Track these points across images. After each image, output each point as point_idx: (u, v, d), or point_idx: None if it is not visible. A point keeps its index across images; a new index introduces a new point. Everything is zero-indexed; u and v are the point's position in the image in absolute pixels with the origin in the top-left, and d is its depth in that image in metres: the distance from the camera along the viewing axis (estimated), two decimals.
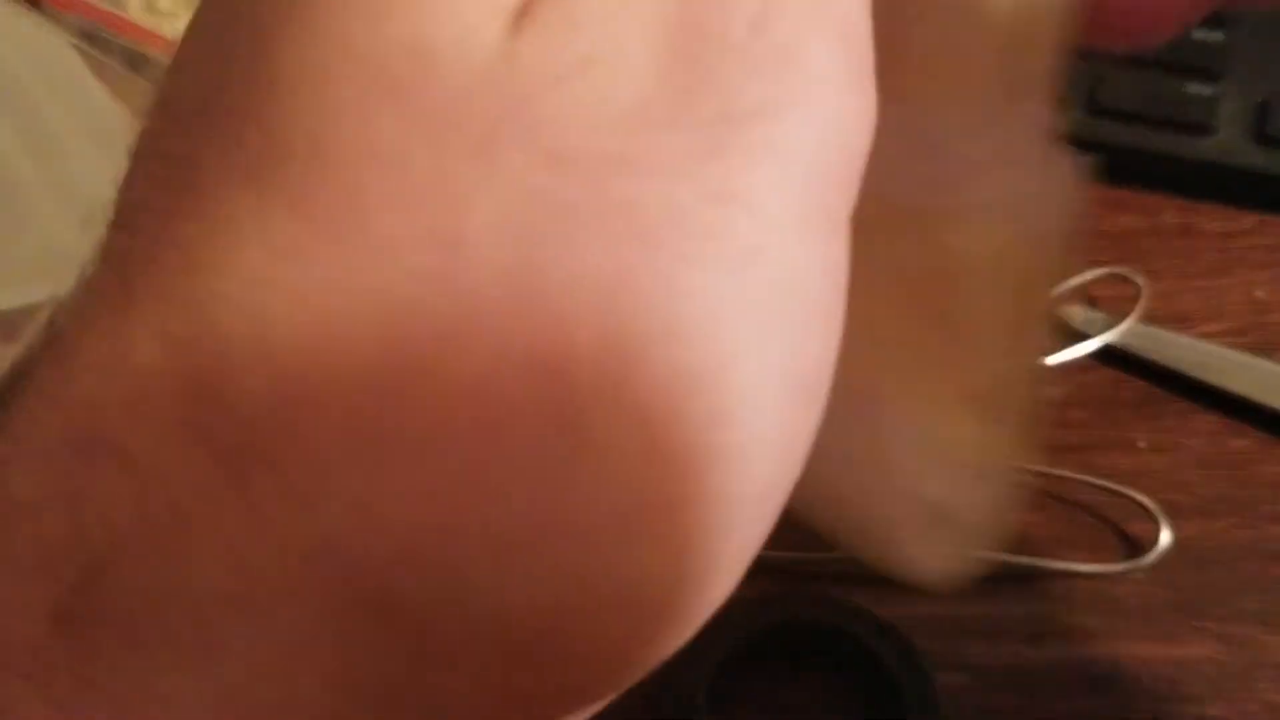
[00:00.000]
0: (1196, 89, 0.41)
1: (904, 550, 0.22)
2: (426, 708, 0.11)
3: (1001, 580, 0.31)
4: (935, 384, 0.20)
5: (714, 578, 0.12)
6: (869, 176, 0.16)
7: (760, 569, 0.33)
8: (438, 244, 0.10)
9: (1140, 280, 0.37)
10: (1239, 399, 0.34)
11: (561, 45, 0.11)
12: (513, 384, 0.10)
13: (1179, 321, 0.36)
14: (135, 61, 0.41)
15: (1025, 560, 0.31)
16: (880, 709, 0.28)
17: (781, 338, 0.11)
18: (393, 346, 0.10)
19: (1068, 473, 0.33)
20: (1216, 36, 0.42)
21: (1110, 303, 0.37)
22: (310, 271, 0.10)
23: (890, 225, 0.19)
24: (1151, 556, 0.31)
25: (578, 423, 0.10)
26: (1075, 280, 0.37)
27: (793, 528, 0.34)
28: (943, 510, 0.21)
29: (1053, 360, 0.36)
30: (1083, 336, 0.36)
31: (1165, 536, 0.31)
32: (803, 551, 0.32)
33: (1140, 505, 0.32)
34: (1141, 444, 0.34)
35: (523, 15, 0.11)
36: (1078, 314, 0.37)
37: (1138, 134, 0.41)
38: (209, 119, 0.11)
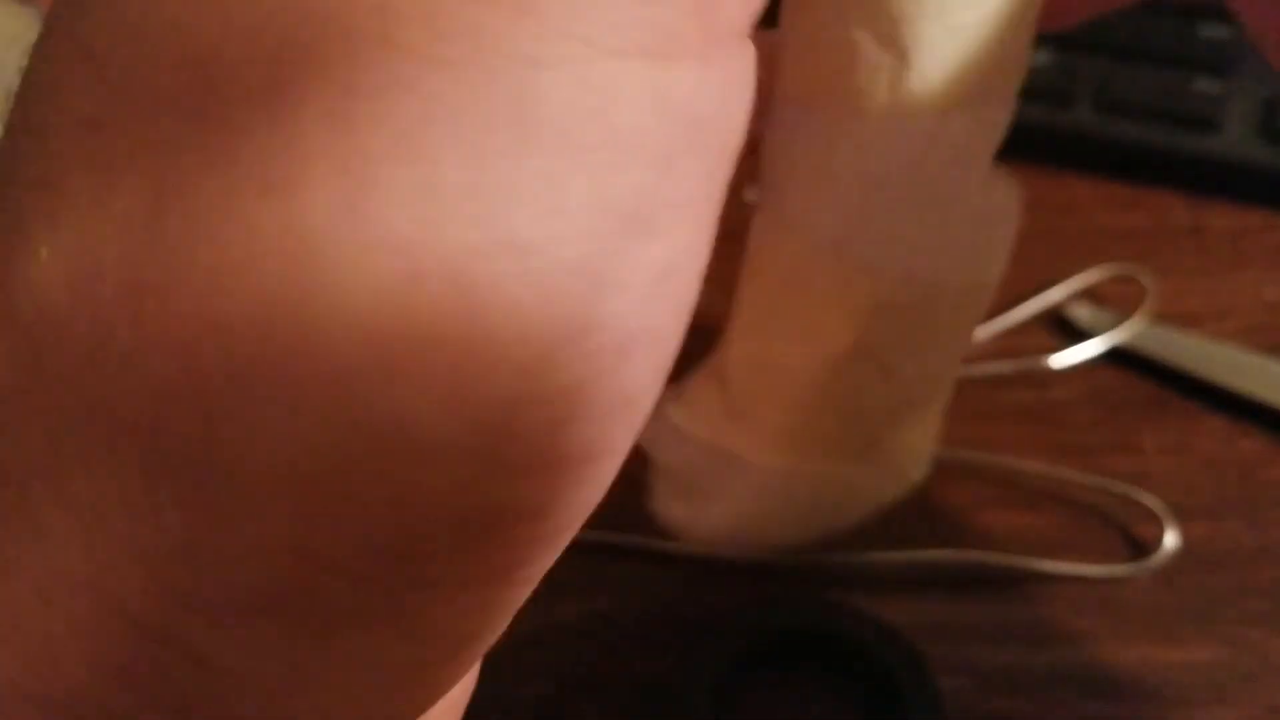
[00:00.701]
0: (1205, 85, 0.40)
1: (651, 501, 0.23)
2: (227, 582, 0.11)
3: (1005, 583, 0.31)
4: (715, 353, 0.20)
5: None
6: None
7: (761, 573, 0.33)
8: None
9: (1147, 279, 0.36)
10: (1248, 399, 0.34)
11: None
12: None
13: (1187, 321, 0.36)
14: None
15: (1029, 563, 0.31)
16: (882, 713, 0.28)
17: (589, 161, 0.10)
18: None
19: (1073, 474, 0.33)
20: (1224, 32, 0.41)
21: (1117, 302, 0.36)
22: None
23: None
24: (1157, 559, 0.31)
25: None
26: (1082, 279, 0.37)
27: None
28: (672, 473, 0.22)
29: (1058, 360, 0.35)
30: (1089, 336, 0.36)
31: (1171, 539, 0.31)
32: (804, 555, 0.32)
33: (1146, 507, 0.32)
34: (1148, 445, 0.34)
35: None
36: (1084, 313, 0.37)
37: (1145, 130, 0.40)
38: None
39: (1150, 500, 0.32)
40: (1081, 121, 0.41)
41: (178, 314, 0.10)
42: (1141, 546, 0.31)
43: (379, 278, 0.10)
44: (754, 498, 0.22)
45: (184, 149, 0.10)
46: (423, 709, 0.13)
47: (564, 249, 0.10)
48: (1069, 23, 0.21)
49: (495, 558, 0.11)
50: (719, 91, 0.11)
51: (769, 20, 0.13)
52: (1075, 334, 0.36)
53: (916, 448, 0.23)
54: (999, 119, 0.21)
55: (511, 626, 0.30)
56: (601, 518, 0.35)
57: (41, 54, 0.11)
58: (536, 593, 0.32)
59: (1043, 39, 0.45)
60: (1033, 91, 0.42)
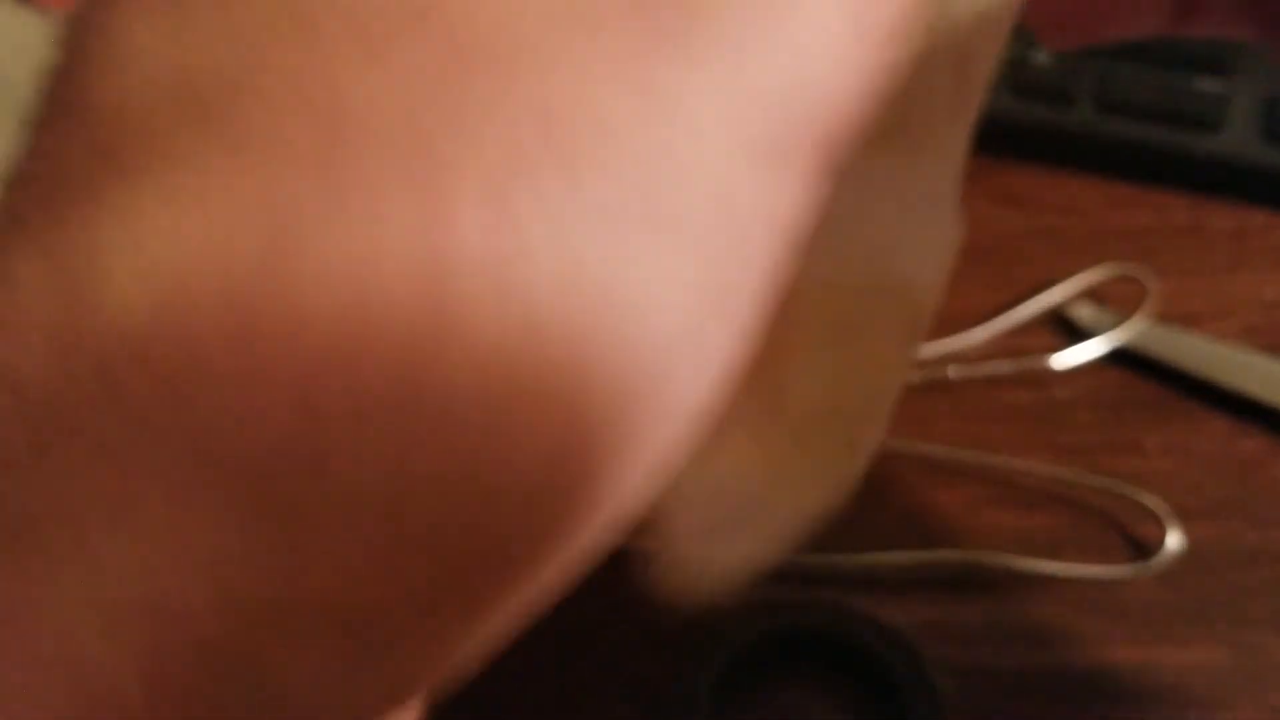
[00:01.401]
0: (1206, 85, 0.40)
1: (670, 550, 0.23)
2: (306, 603, 0.11)
3: (1006, 584, 0.31)
4: (747, 400, 0.20)
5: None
6: None
7: (761, 572, 0.33)
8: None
9: (1148, 279, 0.36)
10: (1249, 399, 0.34)
11: None
12: (392, 284, 0.10)
13: (1188, 321, 0.36)
14: None
15: (1031, 563, 0.31)
16: (882, 713, 0.28)
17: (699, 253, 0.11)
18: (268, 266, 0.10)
19: (1074, 474, 0.33)
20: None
21: (1118, 302, 0.36)
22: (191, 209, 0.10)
23: None
24: (1159, 560, 0.31)
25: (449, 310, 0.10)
26: (1083, 278, 0.37)
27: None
28: (711, 523, 0.21)
29: (1059, 360, 0.35)
30: (1091, 335, 0.36)
31: (1173, 539, 0.31)
32: (805, 555, 0.32)
33: (1147, 508, 0.32)
34: (1150, 446, 0.34)
35: None
36: (1085, 313, 0.37)
37: (1147, 130, 0.40)
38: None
39: (1151, 501, 0.32)
40: (1083, 121, 0.41)
41: (295, 346, 0.10)
42: (1143, 547, 0.31)
43: (507, 320, 0.10)
44: (780, 535, 0.22)
45: (302, 168, 0.10)
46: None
47: (665, 317, 0.11)
48: (1075, 43, 0.21)
49: (532, 587, 0.12)
50: (809, 206, 0.12)
51: None
52: (1076, 334, 0.36)
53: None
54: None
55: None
56: None
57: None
58: None
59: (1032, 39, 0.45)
60: (1034, 91, 0.42)
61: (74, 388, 0.10)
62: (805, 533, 0.22)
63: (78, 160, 0.11)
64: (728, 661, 0.28)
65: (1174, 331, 0.36)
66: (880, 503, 0.33)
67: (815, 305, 0.19)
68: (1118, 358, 0.36)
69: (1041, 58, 0.43)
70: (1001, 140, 0.42)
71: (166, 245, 0.10)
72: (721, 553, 0.22)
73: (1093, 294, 0.37)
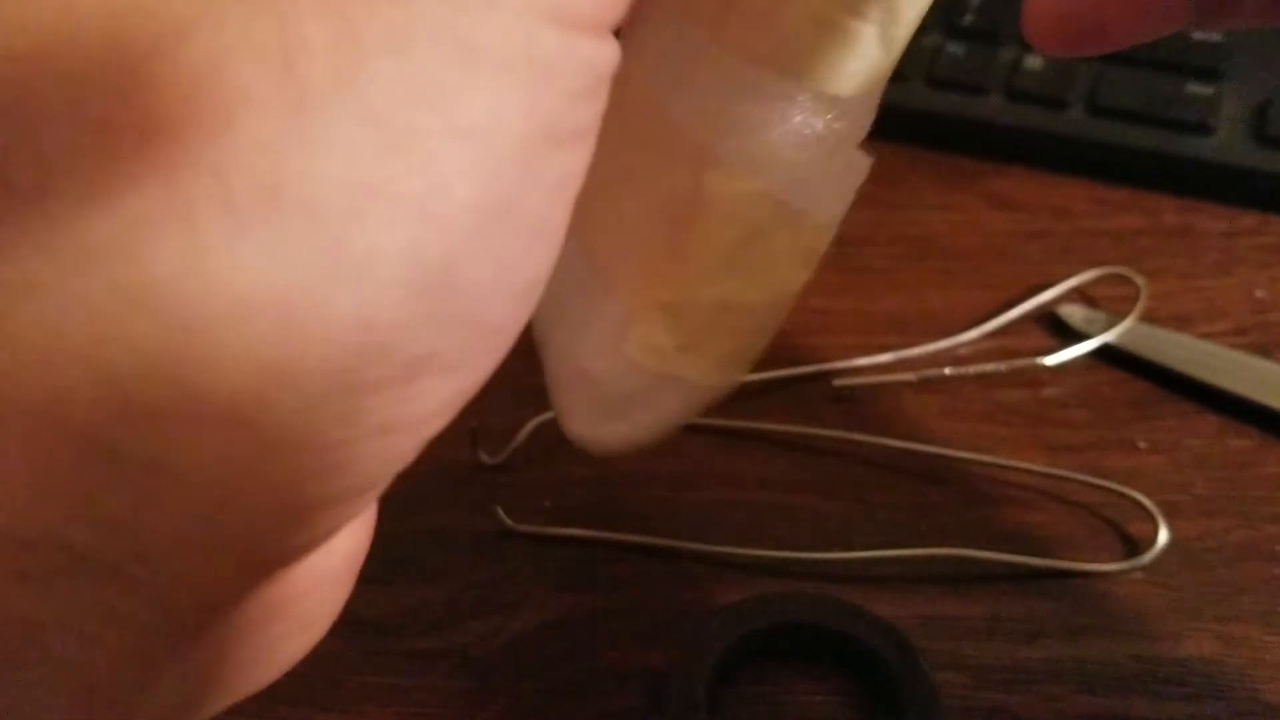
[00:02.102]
0: (1196, 88, 0.41)
1: (570, 419, 0.24)
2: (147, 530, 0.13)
3: (999, 579, 0.31)
4: (646, 286, 0.21)
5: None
6: (667, 93, 0.18)
7: (758, 568, 0.33)
8: None
9: (1140, 280, 0.37)
10: (1239, 399, 0.34)
11: None
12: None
13: (1179, 321, 0.36)
14: None
15: (1024, 559, 0.31)
16: (878, 708, 0.29)
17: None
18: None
19: (1067, 472, 0.33)
20: (1216, 36, 0.42)
21: (1110, 302, 0.37)
22: None
23: (666, 140, 0.20)
24: (1150, 556, 0.31)
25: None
26: (1075, 280, 0.37)
27: (791, 528, 0.35)
28: (609, 396, 0.23)
29: (1052, 360, 0.36)
30: (1082, 336, 0.36)
31: (1164, 536, 0.31)
32: (801, 551, 0.32)
33: (1139, 505, 0.32)
34: (1141, 444, 0.34)
35: None
36: (1077, 314, 0.37)
37: (1138, 133, 0.41)
38: None
39: (1142, 498, 0.32)
40: (1074, 124, 0.42)
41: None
42: (1134, 543, 0.32)
43: (244, 328, 0.12)
44: (682, 413, 0.23)
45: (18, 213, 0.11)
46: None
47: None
48: (1104, 49, 0.22)
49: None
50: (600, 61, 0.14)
51: None
52: (1068, 334, 0.37)
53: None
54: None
55: (517, 623, 0.30)
56: (604, 517, 0.35)
57: None
58: (539, 588, 0.33)
59: None
60: (1026, 95, 0.42)
61: None
62: (701, 409, 0.23)
63: None
64: (724, 655, 0.29)
65: (1164, 332, 0.36)
66: (876, 500, 0.33)
67: (722, 216, 0.21)
68: (1109, 357, 0.36)
69: (1033, 62, 0.43)
70: (994, 143, 0.43)
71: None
72: (625, 425, 0.24)
73: (1084, 295, 0.37)
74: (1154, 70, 0.42)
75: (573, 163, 0.14)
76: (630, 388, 0.23)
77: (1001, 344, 0.37)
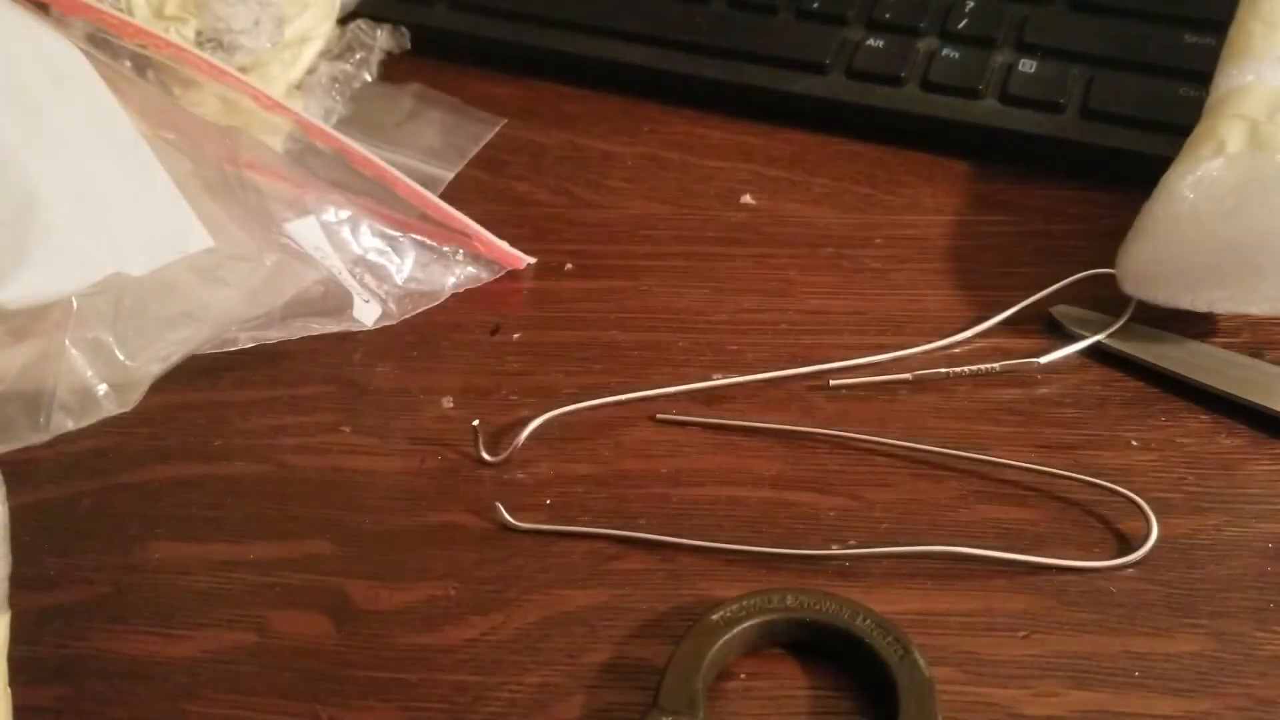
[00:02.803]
0: (1189, 92, 0.41)
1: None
2: None
3: (994, 575, 0.32)
4: None
5: None
6: None
7: (755, 565, 0.34)
8: None
9: None
10: (1228, 398, 0.35)
11: None
12: None
13: (1171, 322, 0.37)
14: (142, 65, 0.42)
15: (1018, 556, 0.31)
16: (874, 703, 0.29)
17: None
18: None
19: (1060, 470, 0.33)
20: (1209, 40, 0.42)
21: (1102, 302, 0.37)
22: None
23: None
24: (1143, 552, 0.31)
25: None
26: (1068, 281, 0.38)
27: (789, 525, 0.35)
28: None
29: (1046, 359, 0.36)
30: (1076, 336, 0.37)
31: (1156, 533, 0.32)
32: (798, 548, 0.32)
33: (1132, 502, 0.32)
34: (1133, 442, 0.34)
35: None
36: (1071, 314, 0.37)
37: (1130, 137, 0.41)
38: None
39: (1135, 495, 0.32)
40: (1069, 128, 0.42)
41: None
42: (1127, 540, 0.32)
43: None
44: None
45: None
46: None
47: None
48: None
49: None
50: None
51: None
52: (1062, 334, 0.37)
53: None
54: None
55: (518, 618, 0.30)
56: (604, 514, 0.36)
57: None
58: (540, 584, 0.33)
59: (1031, 47, 0.46)
60: (1021, 99, 0.43)
61: None
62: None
63: None
64: (723, 650, 0.29)
65: (1157, 332, 0.36)
66: (872, 497, 0.34)
67: None
68: (1102, 357, 0.37)
69: (1027, 66, 0.43)
70: (989, 146, 0.43)
71: None
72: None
73: (1078, 295, 0.38)
74: (1147, 74, 0.42)
75: None
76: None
77: (996, 344, 0.37)
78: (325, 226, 0.40)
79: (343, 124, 0.46)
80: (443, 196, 0.42)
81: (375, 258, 0.40)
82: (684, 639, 0.29)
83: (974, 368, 0.36)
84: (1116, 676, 0.29)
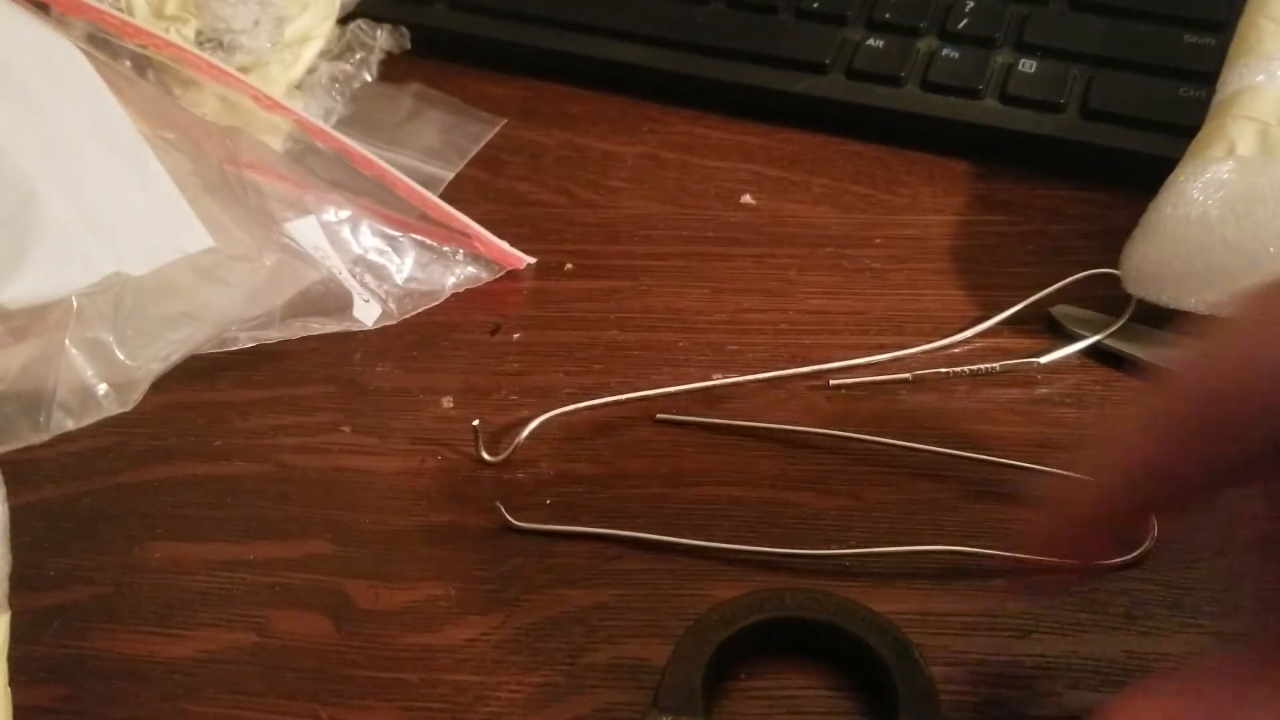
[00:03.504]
0: (1189, 92, 0.41)
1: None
2: None
3: (995, 576, 0.32)
4: None
5: None
6: None
7: (755, 565, 0.34)
8: None
9: None
10: None
11: None
12: None
13: (1170, 322, 0.37)
14: (142, 65, 0.42)
15: (1018, 556, 0.31)
16: (874, 703, 0.29)
17: None
18: None
19: (1060, 470, 0.33)
20: (1209, 41, 0.42)
21: (1102, 302, 0.37)
22: None
23: None
24: (1144, 552, 0.31)
25: None
26: (1068, 280, 0.38)
27: (789, 525, 0.35)
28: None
29: (1046, 359, 0.36)
30: (1076, 336, 0.37)
31: (1155, 533, 0.32)
32: (798, 548, 0.32)
33: None
34: None
35: None
36: (1070, 313, 0.37)
37: (1130, 137, 0.41)
38: None
39: None
40: (1068, 127, 0.42)
41: None
42: (1128, 541, 0.32)
43: None
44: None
45: None
46: None
47: None
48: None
49: None
50: None
51: None
52: (1062, 334, 0.37)
53: None
54: None
55: (518, 618, 0.30)
56: (604, 513, 0.36)
57: None
58: (540, 584, 0.33)
59: (1031, 47, 0.46)
60: (1020, 99, 0.43)
61: None
62: None
63: None
64: (722, 650, 0.29)
65: (1157, 332, 0.36)
66: (872, 497, 0.34)
67: None
68: (1103, 357, 0.37)
69: (1027, 66, 0.43)
70: (989, 146, 0.43)
71: None
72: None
73: (1078, 295, 0.38)
74: (1147, 74, 0.42)
75: None
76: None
77: (996, 344, 0.37)
78: (325, 226, 0.40)
79: (343, 124, 0.46)
80: (443, 196, 0.42)
81: (375, 258, 0.40)
82: (684, 639, 0.29)
83: (974, 367, 0.36)
84: (1116, 676, 0.29)
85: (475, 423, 0.35)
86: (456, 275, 0.41)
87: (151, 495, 0.35)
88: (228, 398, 0.37)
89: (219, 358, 0.37)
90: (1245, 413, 0.22)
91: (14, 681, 0.30)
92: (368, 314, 0.39)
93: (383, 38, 0.48)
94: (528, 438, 0.35)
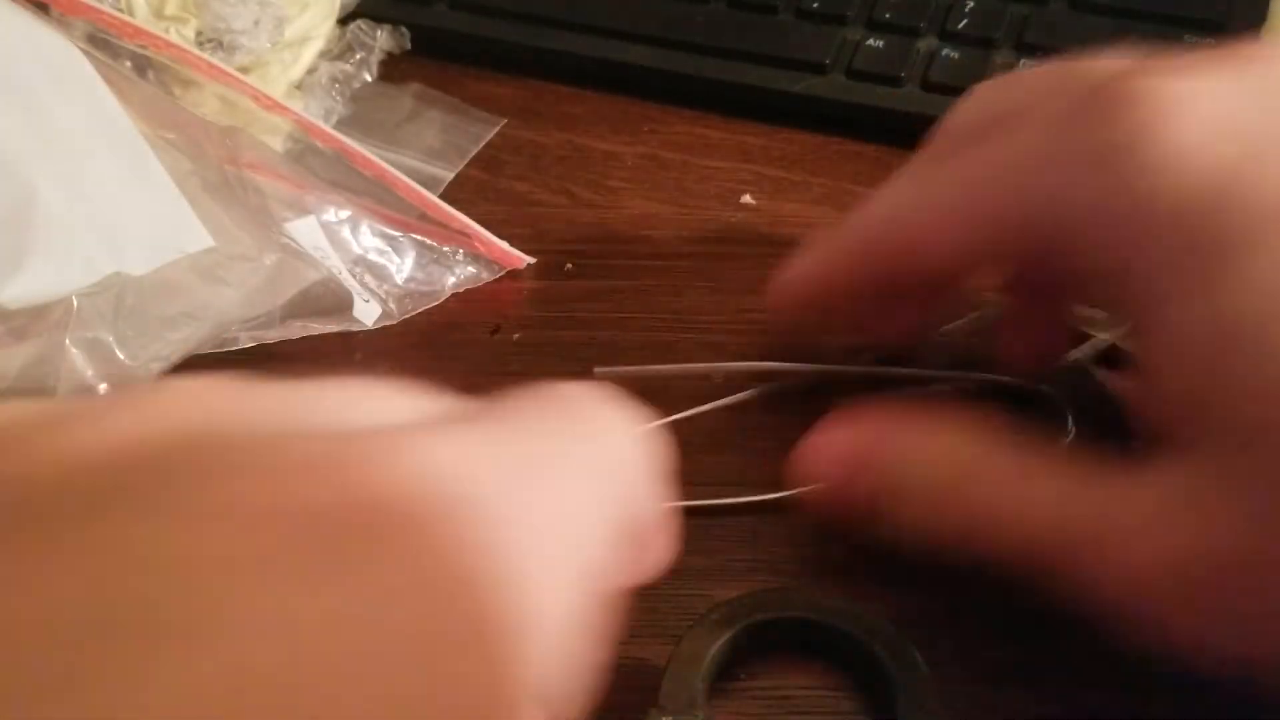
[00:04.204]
0: None
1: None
2: None
3: (994, 575, 0.31)
4: None
5: None
6: None
7: (755, 564, 0.33)
8: None
9: None
10: None
11: None
12: None
13: None
14: (142, 65, 0.42)
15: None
16: (874, 704, 0.29)
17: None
18: None
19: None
20: (1209, 41, 0.42)
21: None
22: None
23: None
24: None
25: None
26: None
27: (788, 524, 0.35)
28: None
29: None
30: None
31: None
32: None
33: None
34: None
35: None
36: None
37: None
38: None
39: None
40: None
41: None
42: None
43: None
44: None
45: None
46: None
47: None
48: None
49: None
50: None
51: None
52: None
53: None
54: None
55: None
56: None
57: None
58: None
59: (1031, 47, 0.46)
60: None
61: None
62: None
63: None
64: (722, 650, 0.29)
65: None
66: None
67: None
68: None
69: (1029, 66, 0.44)
70: None
71: None
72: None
73: None
74: None
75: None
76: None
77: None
78: (325, 226, 0.40)
79: (343, 124, 0.46)
80: (443, 196, 0.42)
81: (375, 258, 0.40)
82: (684, 639, 0.29)
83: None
84: (1117, 676, 0.29)
85: None
86: (456, 275, 0.41)
87: None
88: None
89: (219, 358, 0.37)
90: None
91: None
92: (368, 314, 0.39)
93: (383, 38, 0.48)
94: None
